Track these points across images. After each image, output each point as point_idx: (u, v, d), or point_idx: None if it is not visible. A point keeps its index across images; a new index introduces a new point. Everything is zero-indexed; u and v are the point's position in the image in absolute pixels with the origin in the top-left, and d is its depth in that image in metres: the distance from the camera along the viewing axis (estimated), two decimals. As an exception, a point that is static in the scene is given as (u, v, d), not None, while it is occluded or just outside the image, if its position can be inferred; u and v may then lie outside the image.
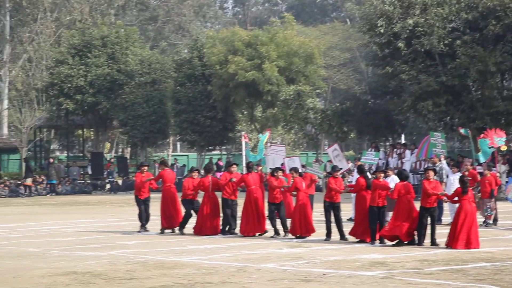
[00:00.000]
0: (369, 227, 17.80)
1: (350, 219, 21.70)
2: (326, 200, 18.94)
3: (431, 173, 17.53)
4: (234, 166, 20.90)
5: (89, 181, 48.14)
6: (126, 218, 26.07)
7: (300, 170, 24.98)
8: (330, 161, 26.16)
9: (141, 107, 49.23)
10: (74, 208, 33.47)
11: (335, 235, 18.69)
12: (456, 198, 17.41)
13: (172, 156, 62.30)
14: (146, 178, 21.58)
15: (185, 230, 20.98)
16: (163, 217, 21.28)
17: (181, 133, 49.79)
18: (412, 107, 36.89)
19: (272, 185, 19.63)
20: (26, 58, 59.51)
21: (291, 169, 20.58)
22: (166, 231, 21.22)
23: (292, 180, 20.00)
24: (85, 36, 51.87)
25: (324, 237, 18.60)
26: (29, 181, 44.02)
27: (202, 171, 22.72)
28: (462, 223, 16.61)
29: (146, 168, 22.06)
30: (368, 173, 19.35)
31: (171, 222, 21.21)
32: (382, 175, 18.05)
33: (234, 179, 20.20)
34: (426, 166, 27.07)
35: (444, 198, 17.90)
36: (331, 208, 18.78)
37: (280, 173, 20.14)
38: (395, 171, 21.99)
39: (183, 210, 21.07)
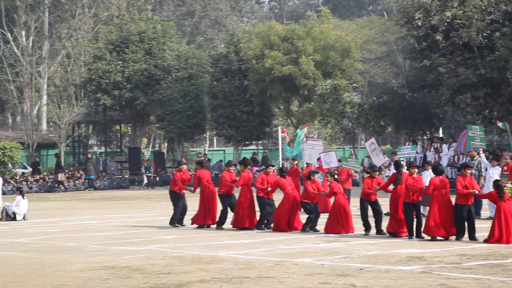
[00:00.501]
0: (405, 222, 17.71)
1: (386, 214, 21.58)
2: (363, 197, 18.87)
3: (468, 171, 17.39)
4: (271, 167, 20.93)
5: (126, 176, 48.49)
6: (163, 213, 26.19)
7: (336, 165, 24.96)
8: (368, 156, 26.03)
9: (177, 102, 49.41)
10: (112, 203, 33.73)
11: (373, 229, 18.64)
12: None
13: (209, 151, 62.52)
14: (185, 179, 21.68)
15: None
16: (200, 214, 21.35)
17: (218, 128, 49.89)
18: (450, 101, 36.56)
19: (309, 191, 19.60)
20: (65, 54, 60.15)
21: (326, 174, 20.53)
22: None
23: (329, 184, 19.93)
24: (122, 32, 52.20)
25: (363, 232, 18.56)
26: (61, 177, 44.40)
27: (239, 166, 22.75)
28: (504, 222, 16.41)
29: (184, 166, 22.20)
30: (404, 168, 19.23)
31: (207, 219, 21.27)
32: (416, 170, 17.89)
33: (269, 188, 20.21)
34: (464, 160, 26.82)
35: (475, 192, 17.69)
36: (368, 204, 18.75)
37: (317, 176, 20.12)
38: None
39: (219, 207, 21.20)
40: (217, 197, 21.32)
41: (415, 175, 17.66)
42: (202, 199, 21.38)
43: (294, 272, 12.90)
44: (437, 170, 17.79)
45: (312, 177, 19.83)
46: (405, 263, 13.74)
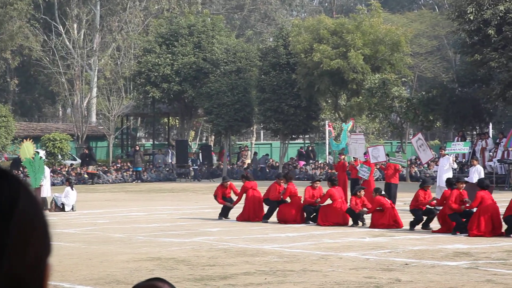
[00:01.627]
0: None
1: None
2: (413, 208, 18.81)
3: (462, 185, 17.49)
4: (318, 182, 21.17)
5: (174, 169, 48.80)
6: (210, 205, 26.31)
7: (384, 159, 24.82)
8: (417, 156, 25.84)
9: (225, 95, 49.52)
10: (159, 195, 33.98)
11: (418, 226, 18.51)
12: None
13: (256, 144, 62.58)
14: (230, 195, 22.26)
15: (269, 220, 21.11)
16: (244, 213, 21.68)
17: (265, 122, 49.87)
18: (501, 95, 36.08)
19: (352, 207, 19.66)
20: (115, 47, 60.72)
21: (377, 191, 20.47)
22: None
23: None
24: (172, 25, 52.47)
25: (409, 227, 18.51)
26: (91, 169, 44.61)
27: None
28: None
29: (228, 182, 22.64)
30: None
31: (249, 218, 21.60)
32: (463, 186, 17.77)
33: (319, 200, 20.35)
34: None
35: None
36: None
37: (362, 192, 20.11)
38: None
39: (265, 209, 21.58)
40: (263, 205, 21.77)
41: (461, 190, 17.63)
42: (247, 207, 21.74)
43: (339, 266, 12.87)
44: (483, 185, 17.70)
45: (358, 193, 19.96)
46: (451, 258, 13.60)
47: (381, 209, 19.00)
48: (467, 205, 17.34)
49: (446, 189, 19.05)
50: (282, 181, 21.76)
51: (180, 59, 50.52)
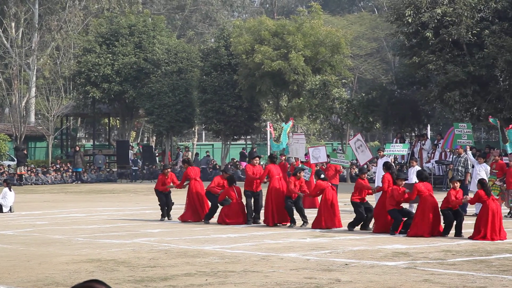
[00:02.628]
0: (391, 221, 17.84)
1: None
2: (356, 201, 18.88)
3: (457, 184, 17.54)
4: (257, 158, 20.96)
5: (114, 170, 48.42)
6: (151, 206, 26.19)
7: (325, 160, 24.98)
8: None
9: (167, 96, 49.35)
10: (99, 196, 33.68)
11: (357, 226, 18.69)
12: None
13: (198, 145, 62.47)
14: (170, 183, 21.83)
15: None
16: (188, 211, 21.42)
17: (207, 122, 49.87)
18: (438, 98, 36.68)
19: (289, 188, 19.62)
20: (54, 46, 59.96)
21: (316, 173, 20.49)
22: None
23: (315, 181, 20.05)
24: (112, 25, 52.06)
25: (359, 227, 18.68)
26: (20, 170, 43.58)
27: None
28: (491, 220, 16.50)
29: (169, 170, 22.36)
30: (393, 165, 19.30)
31: (196, 216, 21.34)
32: (403, 183, 17.99)
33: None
34: (450, 157, 26.93)
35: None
36: (362, 204, 18.81)
37: (302, 173, 20.15)
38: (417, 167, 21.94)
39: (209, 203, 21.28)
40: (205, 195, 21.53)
41: (401, 186, 17.81)
42: (189, 197, 21.49)
43: (280, 267, 12.93)
44: (422, 176, 17.98)
45: (298, 174, 19.83)
46: (390, 258, 13.78)
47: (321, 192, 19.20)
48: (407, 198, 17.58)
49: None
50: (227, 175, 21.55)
51: (121, 59, 50.17)
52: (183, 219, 21.34)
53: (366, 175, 19.47)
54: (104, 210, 25.47)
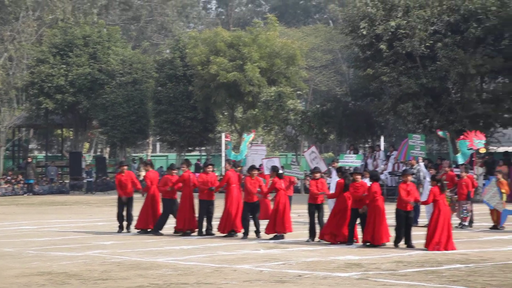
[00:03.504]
0: (347, 228, 17.88)
1: None
2: (310, 202, 18.91)
3: (409, 177, 17.60)
4: (210, 167, 20.78)
5: (67, 181, 47.91)
6: (104, 218, 25.96)
7: (280, 171, 24.99)
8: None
9: (121, 107, 49.07)
10: (51, 208, 33.27)
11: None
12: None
13: (152, 156, 62.12)
14: (129, 184, 21.40)
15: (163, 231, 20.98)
16: (142, 218, 21.16)
17: (161, 134, 49.67)
18: (392, 109, 37.03)
19: (247, 188, 19.56)
20: (7, 56, 59.15)
21: (271, 168, 20.51)
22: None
23: (271, 181, 19.98)
24: (67, 35, 51.64)
25: (307, 238, 18.61)
26: None
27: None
28: (436, 224, 16.65)
29: (125, 167, 21.91)
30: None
31: (147, 223, 21.07)
32: (359, 177, 18.07)
33: (213, 188, 20.14)
34: (404, 168, 27.11)
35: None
36: (315, 209, 18.77)
37: (255, 172, 20.06)
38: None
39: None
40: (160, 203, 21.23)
41: (358, 181, 17.84)
42: (145, 203, 21.22)
43: (233, 278, 12.89)
44: (376, 177, 18.08)
45: (251, 172, 19.83)
46: (343, 269, 13.83)
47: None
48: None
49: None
50: (174, 171, 21.26)
51: (75, 69, 49.78)
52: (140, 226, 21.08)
53: (318, 174, 19.43)
54: (56, 222, 25.16)
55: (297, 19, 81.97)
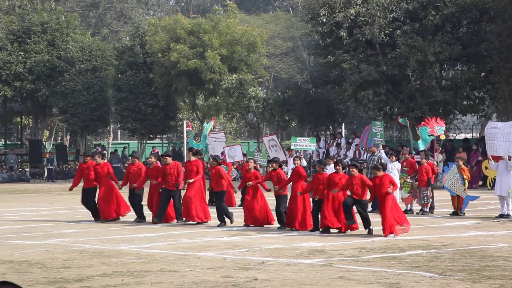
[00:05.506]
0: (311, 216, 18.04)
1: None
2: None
3: (355, 170, 17.44)
4: (167, 158, 20.58)
5: (27, 169, 47.50)
6: (65, 206, 25.79)
7: (241, 159, 25.06)
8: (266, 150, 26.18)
9: (81, 94, 48.70)
10: (12, 196, 32.97)
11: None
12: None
13: (113, 144, 61.79)
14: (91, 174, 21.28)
15: (124, 219, 20.92)
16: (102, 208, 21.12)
17: (122, 121, 49.41)
18: (352, 96, 37.22)
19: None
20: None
21: (269, 161, 20.41)
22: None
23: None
24: (24, 22, 51.03)
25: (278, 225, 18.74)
26: None
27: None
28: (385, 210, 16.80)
29: (89, 158, 21.75)
30: (304, 161, 19.44)
31: (107, 213, 21.00)
32: (323, 167, 18.17)
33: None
34: (365, 155, 27.33)
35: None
36: (276, 199, 18.91)
37: (214, 162, 20.09)
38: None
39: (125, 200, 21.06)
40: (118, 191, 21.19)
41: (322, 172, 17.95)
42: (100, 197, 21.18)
43: (197, 266, 12.89)
44: (321, 163, 18.33)
45: (212, 161, 20.01)
46: (306, 256, 13.91)
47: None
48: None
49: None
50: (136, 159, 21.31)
51: (33, 57, 49.25)
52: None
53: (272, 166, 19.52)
54: (17, 211, 24.94)
55: (257, 6, 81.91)
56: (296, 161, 19.13)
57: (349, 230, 17.56)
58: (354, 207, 17.19)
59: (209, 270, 12.48)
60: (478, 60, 36.01)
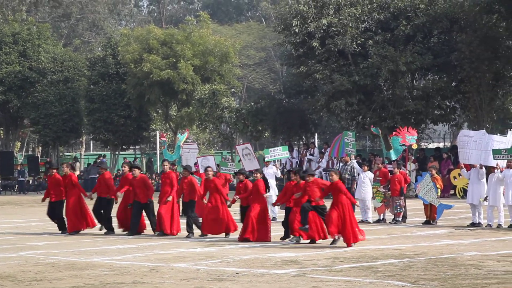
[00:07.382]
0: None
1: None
2: (243, 205, 19.01)
3: (310, 178, 17.51)
4: (135, 170, 20.44)
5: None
6: (37, 218, 25.59)
7: (215, 170, 25.01)
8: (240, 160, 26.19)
9: (53, 105, 48.44)
10: (-17, 208, 32.67)
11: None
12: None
13: (85, 155, 61.47)
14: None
15: (93, 231, 20.81)
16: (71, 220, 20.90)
17: (94, 132, 49.19)
18: (325, 106, 37.33)
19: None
20: None
21: (236, 173, 20.40)
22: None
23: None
24: (-5, 33, 50.72)
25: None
26: None
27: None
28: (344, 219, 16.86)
29: (55, 171, 21.53)
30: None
31: (78, 225, 20.82)
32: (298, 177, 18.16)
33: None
34: (338, 165, 27.39)
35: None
36: (244, 210, 18.90)
37: (187, 173, 20.06)
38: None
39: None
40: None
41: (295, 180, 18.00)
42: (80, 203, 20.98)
43: (170, 277, 12.86)
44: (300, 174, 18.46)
45: (184, 173, 20.02)
46: (280, 266, 13.92)
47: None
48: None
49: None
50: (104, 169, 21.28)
51: (4, 67, 48.95)
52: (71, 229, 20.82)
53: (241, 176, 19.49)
54: (-12, 224, 24.70)
55: (229, 16, 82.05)
56: (255, 175, 19.10)
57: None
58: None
59: (182, 281, 12.45)
60: (449, 69, 36.29)
